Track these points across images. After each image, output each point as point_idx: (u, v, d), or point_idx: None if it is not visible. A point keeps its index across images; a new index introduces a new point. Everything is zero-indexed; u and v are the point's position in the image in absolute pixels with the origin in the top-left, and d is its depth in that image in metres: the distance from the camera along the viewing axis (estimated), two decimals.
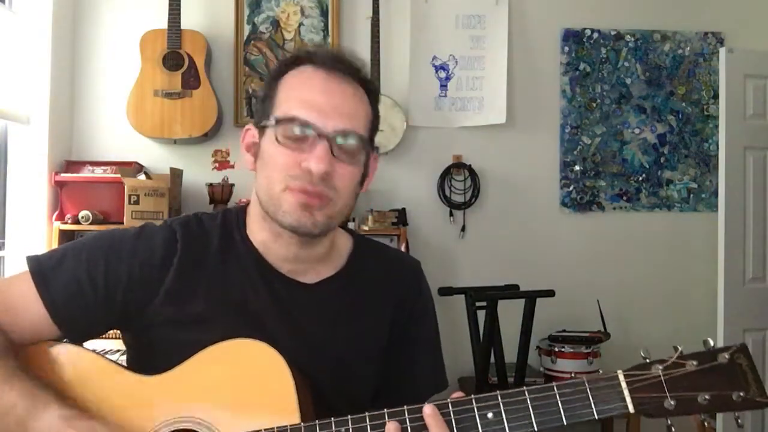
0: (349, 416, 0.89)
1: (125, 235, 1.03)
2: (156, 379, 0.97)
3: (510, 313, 2.63)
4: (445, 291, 2.70)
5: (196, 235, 1.04)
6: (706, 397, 0.85)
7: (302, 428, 0.90)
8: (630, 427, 2.76)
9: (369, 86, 1.05)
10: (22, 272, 0.99)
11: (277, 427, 0.90)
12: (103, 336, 1.04)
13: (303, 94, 0.98)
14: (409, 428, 0.87)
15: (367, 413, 0.89)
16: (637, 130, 3.20)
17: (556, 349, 2.73)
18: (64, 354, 0.99)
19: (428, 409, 0.86)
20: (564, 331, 2.85)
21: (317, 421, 0.90)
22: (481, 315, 2.63)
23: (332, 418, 0.89)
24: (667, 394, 0.85)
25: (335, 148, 0.96)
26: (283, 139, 0.97)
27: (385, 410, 0.89)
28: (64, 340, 1.01)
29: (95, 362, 0.99)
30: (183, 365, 0.96)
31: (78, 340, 1.01)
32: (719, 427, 2.65)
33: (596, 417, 0.85)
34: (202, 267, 1.02)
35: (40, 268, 0.99)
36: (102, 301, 0.98)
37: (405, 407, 0.88)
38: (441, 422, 0.85)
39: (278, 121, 0.98)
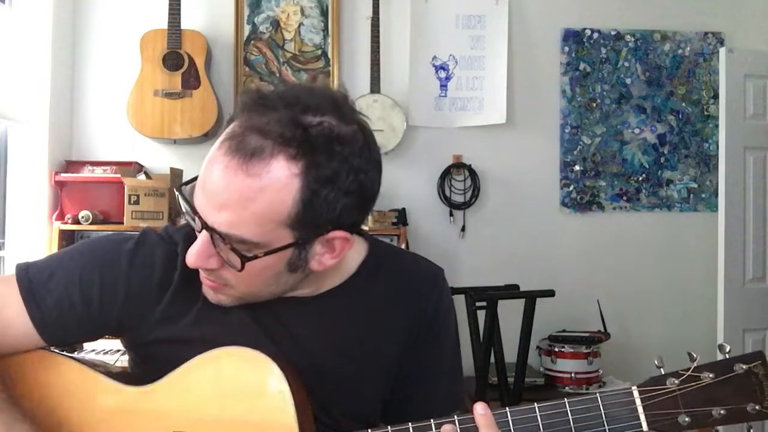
0: None
1: (123, 248, 0.96)
2: (145, 389, 0.93)
3: (510, 313, 2.63)
4: None
5: None
6: (721, 411, 0.83)
7: None
8: None
9: (308, 163, 0.81)
10: (9, 279, 0.93)
11: None
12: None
13: (203, 169, 0.84)
14: None
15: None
16: (637, 130, 3.20)
17: (556, 349, 2.73)
18: (48, 364, 0.94)
19: (480, 408, 0.86)
20: (564, 331, 2.85)
21: None
22: (481, 315, 2.62)
23: None
24: (682, 410, 0.83)
25: (219, 243, 0.84)
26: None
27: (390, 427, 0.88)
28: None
29: (80, 372, 0.95)
30: (174, 374, 0.92)
31: (65, 348, 0.98)
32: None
33: None
34: (200, 285, 0.94)
35: (29, 281, 0.92)
36: (96, 318, 0.93)
37: (410, 424, 0.87)
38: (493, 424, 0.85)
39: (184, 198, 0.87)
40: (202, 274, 0.91)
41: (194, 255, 0.85)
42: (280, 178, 0.80)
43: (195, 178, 0.86)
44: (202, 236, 0.84)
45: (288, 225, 0.83)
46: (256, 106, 0.82)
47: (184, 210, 0.88)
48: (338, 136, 0.83)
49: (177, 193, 0.88)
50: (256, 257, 0.83)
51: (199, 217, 0.84)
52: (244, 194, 0.80)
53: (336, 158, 0.82)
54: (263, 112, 0.81)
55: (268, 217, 0.81)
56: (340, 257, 0.90)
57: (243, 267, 0.83)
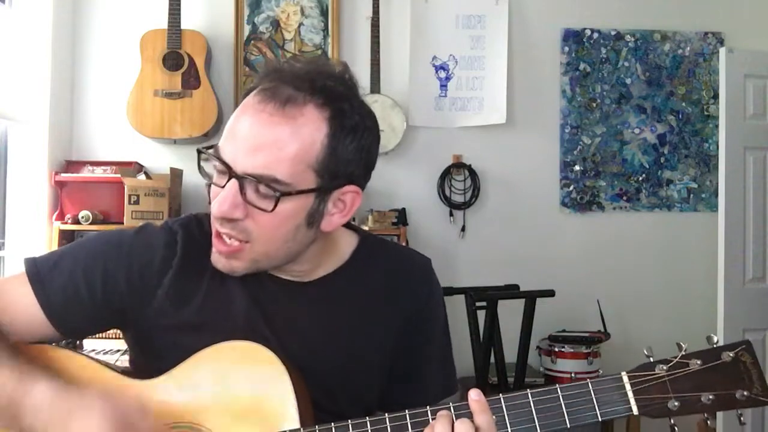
0: (350, 421, 0.88)
1: (124, 236, 1.01)
2: (150, 383, 0.95)
3: (510, 313, 2.63)
4: (445, 291, 2.63)
5: (196, 238, 1.01)
6: (710, 397, 0.85)
7: None
8: (630, 427, 2.76)
9: (334, 112, 0.90)
10: (19, 273, 0.98)
11: None
12: (103, 336, 1.04)
13: (231, 123, 0.91)
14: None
15: (367, 418, 0.89)
16: (637, 130, 3.20)
17: (556, 349, 2.73)
18: (55, 358, 0.96)
19: (474, 395, 0.87)
20: (564, 331, 2.85)
21: (317, 426, 0.89)
22: (481, 315, 2.63)
23: (332, 423, 0.88)
24: (671, 395, 0.85)
25: (249, 190, 0.89)
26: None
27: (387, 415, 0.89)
28: (62, 341, 1.00)
29: (87, 366, 0.97)
30: (178, 368, 0.94)
31: (76, 339, 1.00)
32: (720, 424, 2.65)
33: (600, 419, 0.85)
34: (201, 271, 0.99)
35: (37, 270, 0.97)
36: (99, 305, 0.97)
37: (407, 411, 0.88)
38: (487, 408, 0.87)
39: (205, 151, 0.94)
40: (217, 237, 0.94)
41: (220, 202, 0.89)
42: (313, 122, 0.89)
43: (211, 146, 0.93)
44: (230, 186, 0.88)
45: (315, 169, 0.90)
46: (279, 73, 0.92)
47: (204, 171, 0.94)
48: (354, 97, 0.95)
49: (198, 153, 0.93)
50: (289, 194, 0.88)
51: (228, 167, 0.88)
52: (281, 135, 0.87)
53: (356, 112, 0.93)
54: (288, 75, 0.91)
55: (300, 158, 0.88)
56: (348, 216, 0.97)
57: (275, 206, 0.88)
